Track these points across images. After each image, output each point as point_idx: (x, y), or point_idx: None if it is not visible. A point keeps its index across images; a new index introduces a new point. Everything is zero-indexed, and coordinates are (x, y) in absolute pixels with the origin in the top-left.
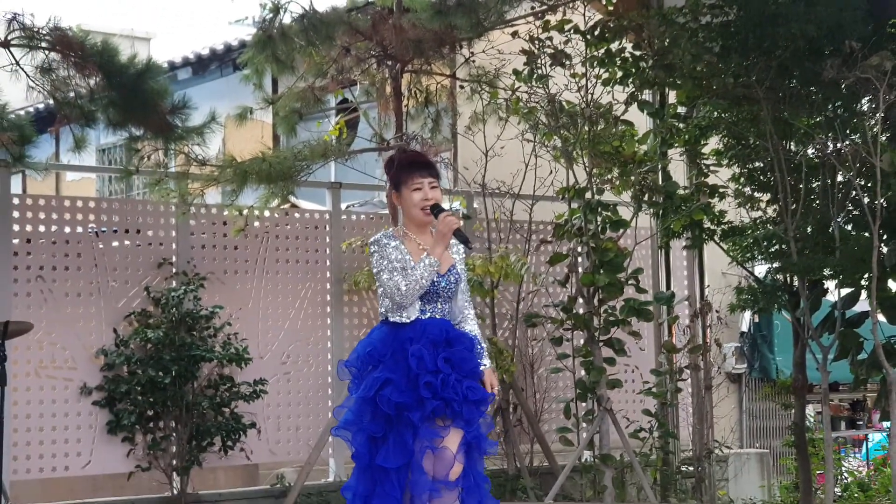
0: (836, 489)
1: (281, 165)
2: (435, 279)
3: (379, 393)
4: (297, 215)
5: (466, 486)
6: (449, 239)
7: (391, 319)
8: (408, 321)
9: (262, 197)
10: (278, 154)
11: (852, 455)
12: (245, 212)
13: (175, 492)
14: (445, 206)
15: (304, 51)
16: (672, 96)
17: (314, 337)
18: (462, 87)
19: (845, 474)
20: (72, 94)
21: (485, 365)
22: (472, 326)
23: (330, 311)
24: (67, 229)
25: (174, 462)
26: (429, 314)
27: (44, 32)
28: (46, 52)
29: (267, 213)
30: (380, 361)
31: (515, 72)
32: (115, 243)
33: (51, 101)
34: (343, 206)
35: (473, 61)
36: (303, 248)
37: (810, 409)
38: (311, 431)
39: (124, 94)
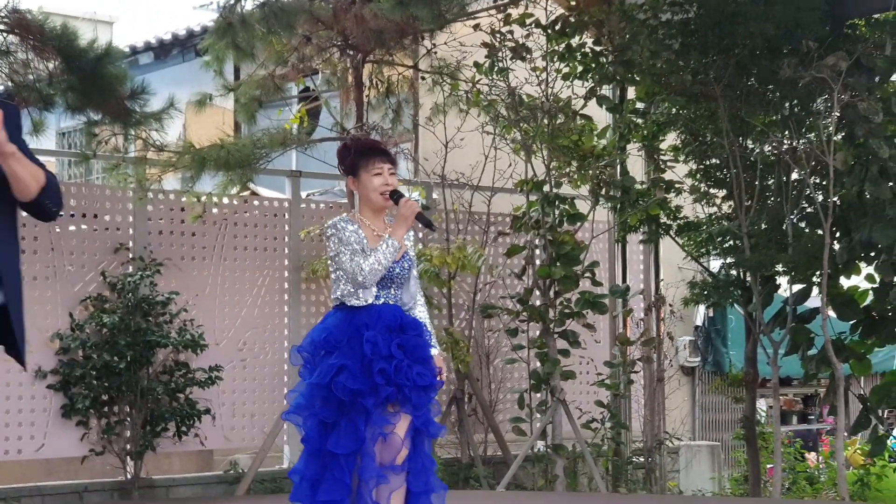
0: (785, 483)
1: (239, 153)
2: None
3: (334, 379)
4: (256, 203)
5: (414, 469)
6: (411, 223)
7: (348, 303)
8: (364, 304)
9: (220, 184)
10: (237, 141)
11: (802, 450)
12: (203, 198)
13: (129, 476)
14: (404, 194)
15: (265, 38)
16: (631, 92)
17: (271, 324)
18: (423, 78)
19: (794, 469)
20: (30, 78)
21: (434, 349)
22: (421, 312)
23: (287, 298)
24: (24, 213)
25: (128, 447)
26: (383, 300)
27: (2, 15)
28: (4, 34)
29: (226, 200)
30: (335, 347)
31: (476, 64)
32: (73, 227)
33: (10, 84)
34: (303, 194)
35: (435, 53)
36: (261, 235)
37: (762, 403)
38: (267, 418)
39: (83, 78)
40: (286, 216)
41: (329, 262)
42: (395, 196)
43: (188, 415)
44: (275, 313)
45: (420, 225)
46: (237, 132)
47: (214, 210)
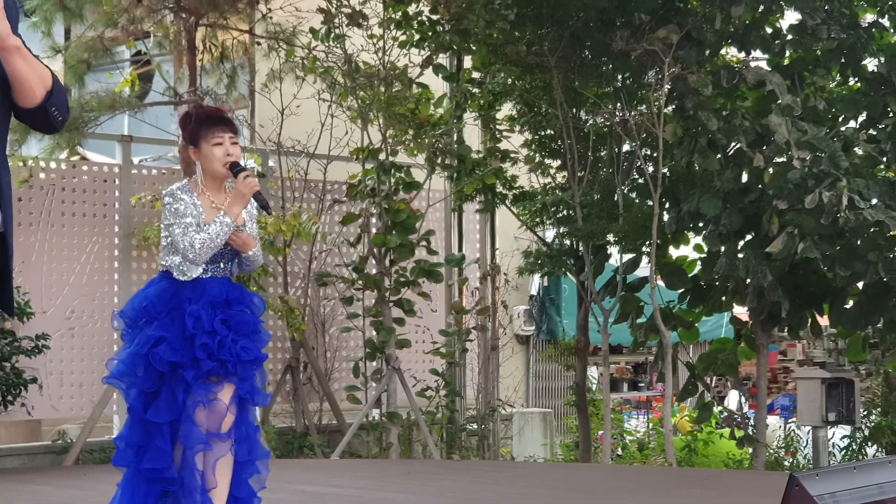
0: (616, 449)
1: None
2: None
3: (152, 351)
4: (85, 168)
5: (238, 436)
6: (248, 201)
7: (174, 275)
8: (189, 279)
9: (47, 148)
10: None
11: (633, 416)
12: (30, 162)
13: None
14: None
15: None
16: (467, 61)
17: (100, 292)
18: (259, 43)
19: (625, 435)
20: None
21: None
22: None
23: (118, 266)
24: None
25: None
26: (210, 273)
27: None
28: None
29: (53, 165)
30: (155, 318)
31: (312, 30)
32: None
33: None
34: (135, 160)
35: (271, 17)
36: (90, 201)
37: (594, 371)
38: (96, 388)
39: None
40: (116, 182)
41: (162, 227)
42: (235, 168)
43: (14, 384)
44: (104, 281)
45: (258, 205)
46: (68, 94)
47: (42, 175)
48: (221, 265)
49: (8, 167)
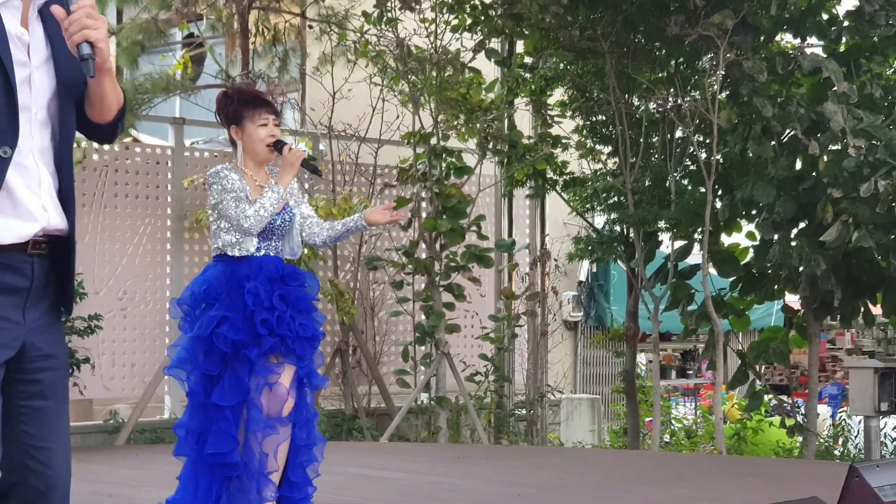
0: (664, 436)
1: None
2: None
3: (215, 331)
4: (138, 150)
5: (298, 421)
6: (297, 169)
7: (229, 254)
8: (246, 254)
9: None
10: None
11: (681, 403)
12: (83, 144)
13: None
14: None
15: None
16: (520, 46)
17: (153, 274)
18: (311, 26)
19: (673, 422)
20: None
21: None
22: (328, 226)
23: (170, 248)
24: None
25: None
26: (263, 251)
27: None
28: None
29: (106, 147)
30: (216, 299)
31: (365, 14)
32: None
33: None
34: (187, 142)
35: (323, 1)
36: (143, 183)
37: (642, 358)
38: (147, 368)
39: None
40: (169, 164)
41: (210, 210)
42: (279, 146)
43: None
44: (156, 262)
45: (307, 173)
46: (119, 76)
47: (95, 157)
48: (273, 242)
49: (73, 175)
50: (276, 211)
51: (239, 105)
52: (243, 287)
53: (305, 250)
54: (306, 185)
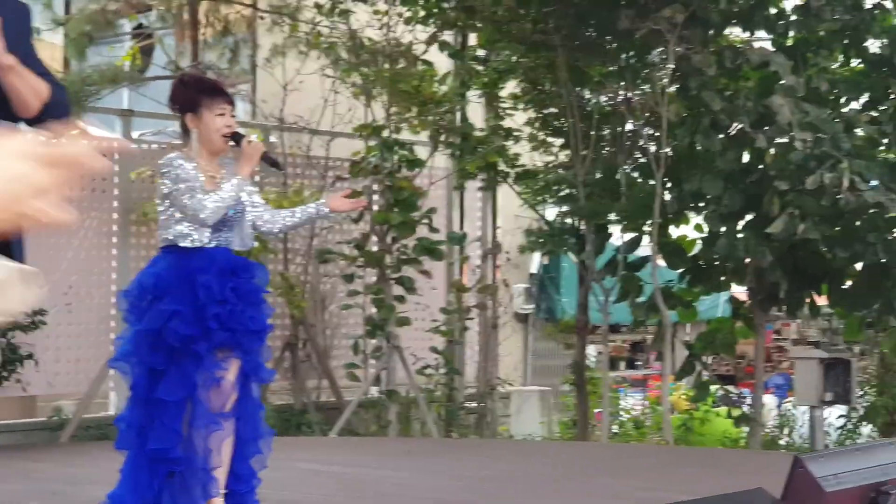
0: (613, 427)
1: (68, 89)
2: None
3: (166, 325)
4: (84, 142)
5: (243, 415)
6: (256, 162)
7: (180, 245)
8: (199, 246)
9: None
10: (66, 77)
11: (630, 394)
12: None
13: None
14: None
15: None
16: (472, 39)
17: (98, 268)
18: (262, 17)
19: (622, 413)
20: None
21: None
22: (287, 213)
23: (116, 241)
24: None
25: None
26: (215, 243)
27: None
28: None
29: None
30: (165, 292)
31: (317, 5)
32: None
33: None
34: (135, 134)
35: None
36: (89, 175)
37: (592, 349)
38: (92, 364)
39: None
40: (116, 156)
41: (160, 200)
42: (236, 137)
43: (9, 359)
44: (102, 257)
45: (267, 164)
46: (66, 68)
47: None
48: (224, 234)
49: None
50: (233, 204)
51: (196, 93)
52: (195, 280)
53: (255, 243)
54: (257, 178)
